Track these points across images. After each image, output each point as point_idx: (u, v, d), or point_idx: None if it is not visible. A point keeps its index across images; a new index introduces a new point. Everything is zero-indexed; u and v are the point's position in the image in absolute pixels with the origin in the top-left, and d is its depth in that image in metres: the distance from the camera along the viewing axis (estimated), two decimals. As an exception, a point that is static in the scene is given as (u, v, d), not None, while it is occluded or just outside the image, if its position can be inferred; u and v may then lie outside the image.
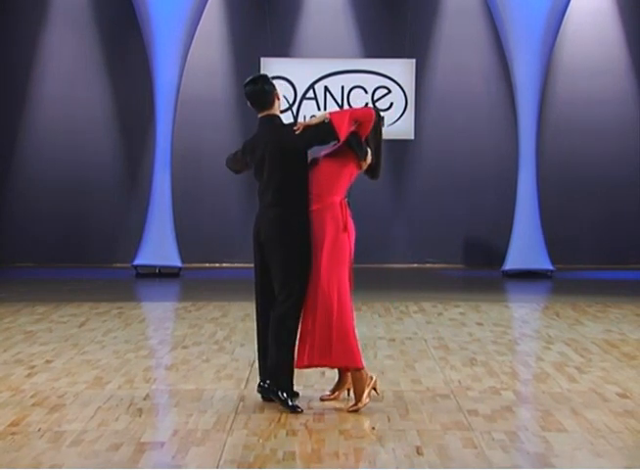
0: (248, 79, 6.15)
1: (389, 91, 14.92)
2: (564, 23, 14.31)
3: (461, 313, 10.09)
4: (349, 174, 5.95)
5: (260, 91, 6.05)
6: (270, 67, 14.67)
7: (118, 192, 15.41)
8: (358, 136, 5.89)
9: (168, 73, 13.81)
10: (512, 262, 14.00)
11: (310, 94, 14.86)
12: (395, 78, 14.93)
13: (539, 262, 14.02)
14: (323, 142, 5.98)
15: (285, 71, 14.83)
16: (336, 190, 5.91)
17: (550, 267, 14.00)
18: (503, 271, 14.04)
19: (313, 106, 14.77)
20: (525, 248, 14.00)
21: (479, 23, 15.43)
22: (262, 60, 14.74)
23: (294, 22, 15.41)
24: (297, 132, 5.90)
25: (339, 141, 5.87)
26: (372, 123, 5.92)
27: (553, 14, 13.77)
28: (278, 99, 6.10)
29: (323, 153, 6.02)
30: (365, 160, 5.93)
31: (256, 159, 6.04)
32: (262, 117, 6.08)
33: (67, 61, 15.34)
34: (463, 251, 15.57)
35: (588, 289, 12.67)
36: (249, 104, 6.13)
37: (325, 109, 14.63)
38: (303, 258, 5.87)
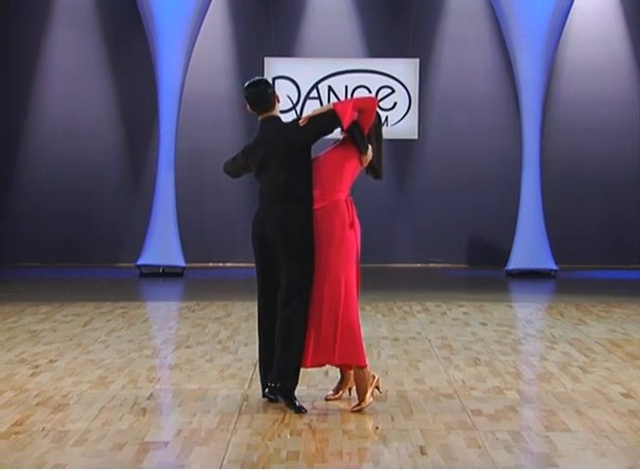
0: (248, 82, 6.18)
1: (393, 91, 14.92)
2: (567, 22, 14.30)
3: (465, 313, 10.09)
4: (352, 172, 5.98)
5: (262, 93, 6.08)
6: (274, 66, 14.68)
7: (122, 192, 15.42)
8: (360, 128, 5.92)
9: (172, 73, 13.81)
10: (515, 262, 13.99)
11: (314, 94, 14.86)
12: (399, 78, 14.93)
13: (543, 262, 14.01)
14: (328, 131, 6.02)
15: (289, 71, 14.84)
16: (339, 187, 5.93)
17: (554, 267, 13.99)
18: (507, 271, 14.03)
19: (317, 105, 14.73)
20: (529, 247, 13.99)
21: (482, 23, 15.42)
22: (266, 59, 14.75)
23: (297, 21, 15.41)
24: (301, 125, 5.94)
25: (342, 129, 5.90)
26: (374, 112, 5.98)
27: (557, 14, 13.76)
28: (278, 101, 6.15)
29: (324, 151, 6.05)
30: (366, 154, 5.96)
31: (259, 159, 6.05)
32: (264, 119, 6.11)
33: (70, 60, 15.34)
34: (466, 250, 15.57)
35: (592, 289, 12.66)
36: (248, 107, 6.15)
37: (329, 108, 14.65)
38: (310, 257, 5.89)
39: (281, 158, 5.95)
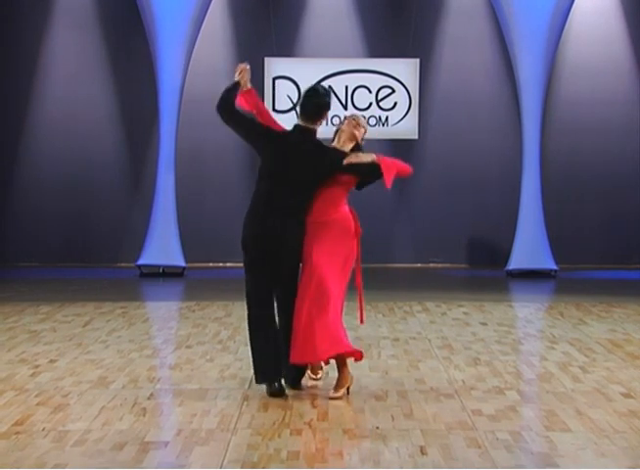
0: (320, 90, 6.16)
1: (393, 91, 14.91)
2: (567, 22, 14.30)
3: (465, 313, 10.09)
4: (349, 190, 6.31)
5: (325, 106, 6.11)
6: (274, 66, 14.68)
7: (122, 192, 15.42)
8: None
9: (172, 73, 13.81)
10: (516, 262, 14.00)
11: (314, 94, 14.83)
12: (399, 78, 14.93)
13: (543, 262, 14.01)
14: (365, 176, 6.20)
15: (289, 71, 14.83)
16: (342, 202, 6.23)
17: (554, 267, 13.99)
18: (507, 271, 14.03)
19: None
20: (529, 247, 13.99)
21: (482, 23, 15.42)
22: (266, 59, 14.74)
23: (298, 21, 15.41)
24: (345, 164, 6.03)
25: (385, 186, 6.20)
26: (404, 177, 6.50)
27: (557, 14, 13.77)
28: (325, 118, 6.20)
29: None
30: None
31: (277, 159, 6.08)
32: (304, 127, 6.12)
33: (70, 60, 15.34)
34: (467, 250, 15.57)
35: (592, 289, 12.66)
36: (299, 109, 6.16)
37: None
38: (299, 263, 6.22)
39: (306, 180, 6.05)
